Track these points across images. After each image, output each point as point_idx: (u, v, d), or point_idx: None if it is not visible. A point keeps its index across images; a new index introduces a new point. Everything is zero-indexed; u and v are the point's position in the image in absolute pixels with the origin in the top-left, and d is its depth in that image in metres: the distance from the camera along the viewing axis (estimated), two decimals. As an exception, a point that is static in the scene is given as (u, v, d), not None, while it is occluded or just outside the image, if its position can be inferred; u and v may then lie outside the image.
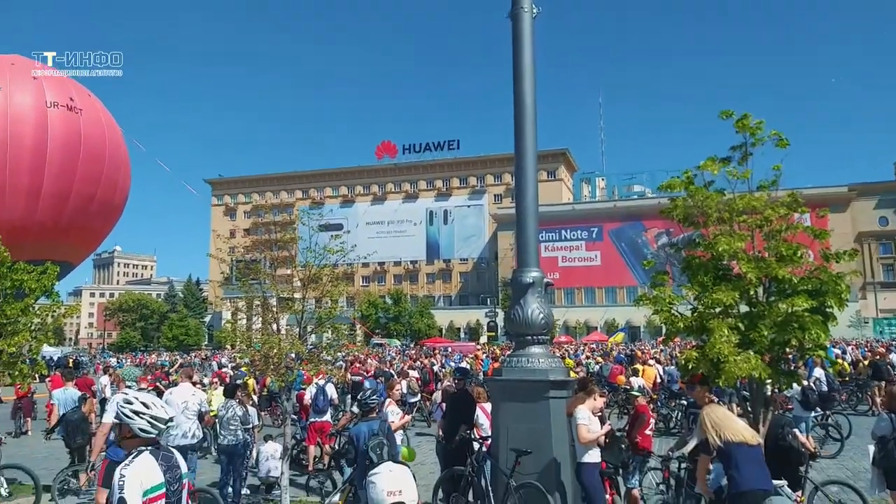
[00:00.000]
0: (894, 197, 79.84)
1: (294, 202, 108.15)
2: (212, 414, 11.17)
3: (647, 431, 8.34)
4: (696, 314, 6.67)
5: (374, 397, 7.11)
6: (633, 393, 9.13)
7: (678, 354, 17.09)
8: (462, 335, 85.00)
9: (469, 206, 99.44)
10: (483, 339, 71.69)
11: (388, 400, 9.74)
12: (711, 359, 6.18)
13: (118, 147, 27.29)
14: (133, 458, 3.24)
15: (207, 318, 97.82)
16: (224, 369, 21.77)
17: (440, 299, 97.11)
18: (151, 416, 3.34)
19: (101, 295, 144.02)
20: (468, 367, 21.99)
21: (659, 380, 18.80)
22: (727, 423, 5.28)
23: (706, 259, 6.77)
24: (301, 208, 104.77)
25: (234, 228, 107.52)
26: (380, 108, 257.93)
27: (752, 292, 6.55)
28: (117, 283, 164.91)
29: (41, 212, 23.01)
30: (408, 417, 9.86)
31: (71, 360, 38.83)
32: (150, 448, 3.32)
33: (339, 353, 9.76)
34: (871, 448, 7.45)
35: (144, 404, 3.35)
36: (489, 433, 8.30)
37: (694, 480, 6.06)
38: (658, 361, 23.00)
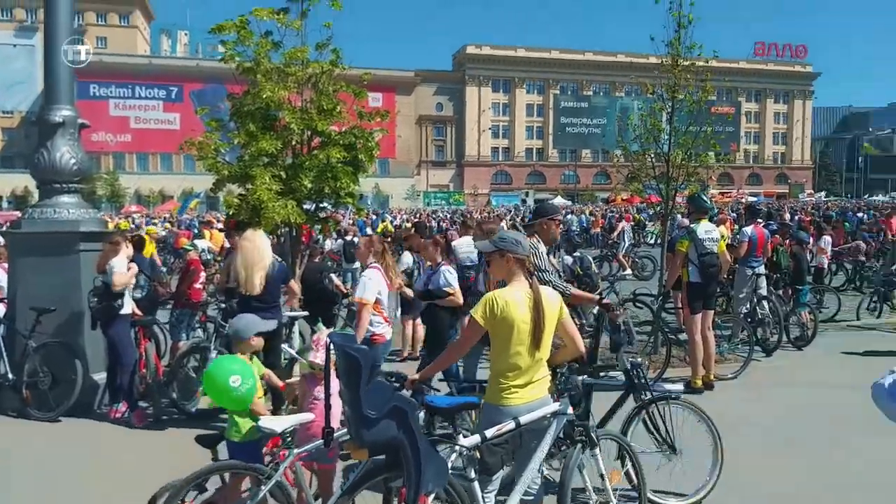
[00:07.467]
0: (449, 86, 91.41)
1: None
2: None
3: (197, 285, 8.32)
4: (241, 162, 6.71)
5: None
6: (185, 247, 8.94)
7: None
8: (5, 204, 71.06)
9: (15, 46, 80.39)
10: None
11: None
12: (253, 205, 6.35)
13: None
14: None
15: None
16: None
17: (-25, 160, 78.66)
18: None
19: None
20: None
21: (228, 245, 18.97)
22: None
23: (255, 108, 6.76)
24: None
25: None
26: None
27: (295, 143, 6.84)
28: None
29: None
30: None
31: None
32: None
33: None
34: None
35: None
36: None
37: (225, 318, 6.29)
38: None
